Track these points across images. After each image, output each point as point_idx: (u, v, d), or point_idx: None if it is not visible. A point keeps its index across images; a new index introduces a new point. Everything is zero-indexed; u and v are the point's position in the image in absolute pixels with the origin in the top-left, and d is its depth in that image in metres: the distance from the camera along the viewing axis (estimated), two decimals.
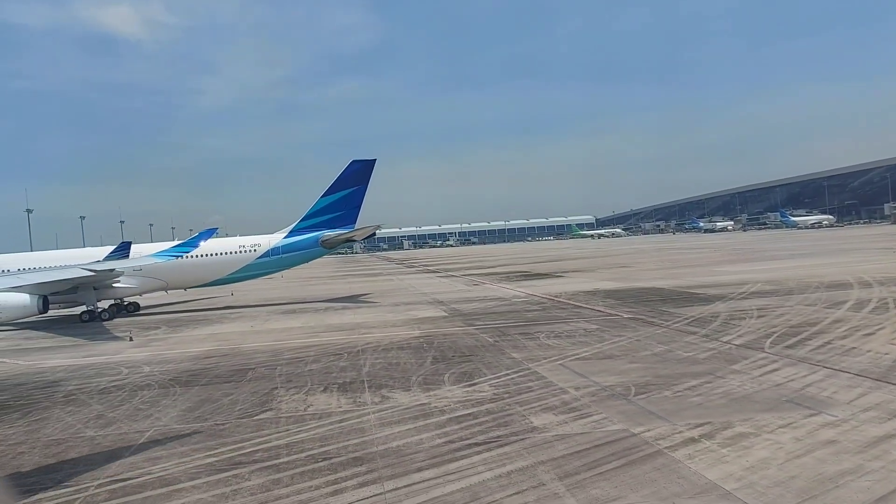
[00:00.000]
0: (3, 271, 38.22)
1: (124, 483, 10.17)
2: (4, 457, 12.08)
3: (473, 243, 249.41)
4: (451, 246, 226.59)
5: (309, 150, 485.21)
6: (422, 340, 22.78)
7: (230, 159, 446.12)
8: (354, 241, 45.87)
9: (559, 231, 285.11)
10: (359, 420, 12.99)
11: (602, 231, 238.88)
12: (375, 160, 43.37)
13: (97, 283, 37.90)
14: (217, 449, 11.69)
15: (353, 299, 42.07)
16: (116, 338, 29.70)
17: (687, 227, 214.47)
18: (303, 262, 44.76)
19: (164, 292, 43.92)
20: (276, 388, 16.56)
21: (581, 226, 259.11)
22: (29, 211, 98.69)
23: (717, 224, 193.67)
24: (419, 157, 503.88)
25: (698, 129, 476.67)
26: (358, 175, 43.10)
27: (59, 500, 9.60)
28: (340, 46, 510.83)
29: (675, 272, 47.16)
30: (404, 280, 59.38)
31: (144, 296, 43.62)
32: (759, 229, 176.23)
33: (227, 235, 51.43)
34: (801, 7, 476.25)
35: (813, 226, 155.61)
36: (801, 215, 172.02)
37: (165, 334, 29.83)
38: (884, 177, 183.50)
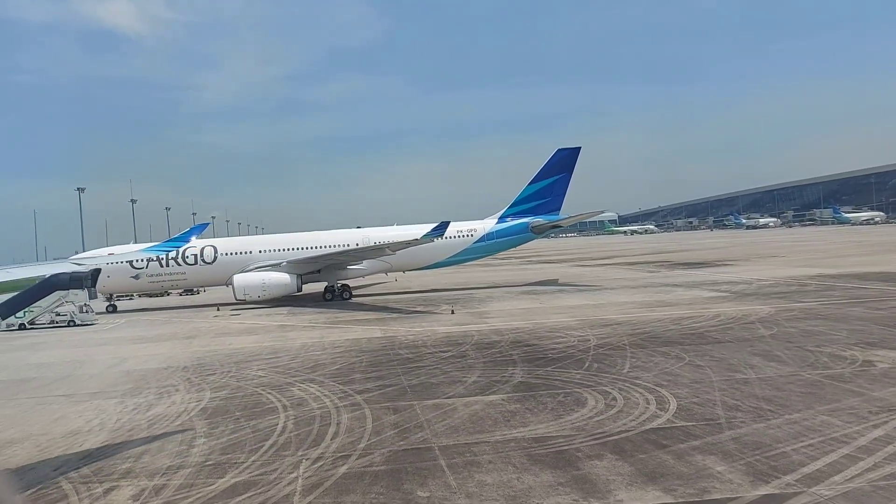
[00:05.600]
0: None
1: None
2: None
3: None
4: None
5: (310, 146, 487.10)
6: (796, 313, 24.13)
7: (230, 155, 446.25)
8: (561, 227, 47.32)
9: (581, 228, 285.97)
10: None
11: (635, 227, 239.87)
12: (580, 148, 44.76)
13: (341, 263, 39.39)
14: None
15: (555, 283, 43.12)
16: (425, 312, 30.97)
17: (726, 223, 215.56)
18: (512, 247, 46.22)
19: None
20: (782, 350, 17.94)
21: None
22: (133, 201, 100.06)
23: (760, 220, 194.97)
24: (421, 154, 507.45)
25: (701, 127, 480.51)
26: (563, 163, 44.51)
27: None
28: (342, 43, 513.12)
29: (855, 260, 47.55)
30: (543, 269, 59.66)
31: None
32: (805, 226, 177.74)
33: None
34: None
35: (865, 222, 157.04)
36: (848, 212, 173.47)
37: (470, 309, 31.11)
38: None
